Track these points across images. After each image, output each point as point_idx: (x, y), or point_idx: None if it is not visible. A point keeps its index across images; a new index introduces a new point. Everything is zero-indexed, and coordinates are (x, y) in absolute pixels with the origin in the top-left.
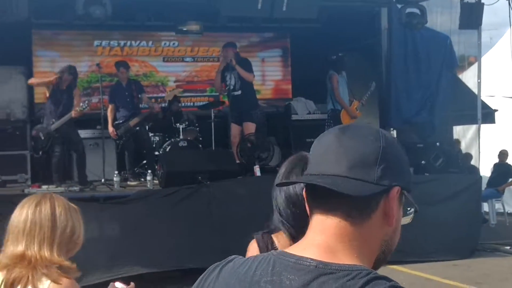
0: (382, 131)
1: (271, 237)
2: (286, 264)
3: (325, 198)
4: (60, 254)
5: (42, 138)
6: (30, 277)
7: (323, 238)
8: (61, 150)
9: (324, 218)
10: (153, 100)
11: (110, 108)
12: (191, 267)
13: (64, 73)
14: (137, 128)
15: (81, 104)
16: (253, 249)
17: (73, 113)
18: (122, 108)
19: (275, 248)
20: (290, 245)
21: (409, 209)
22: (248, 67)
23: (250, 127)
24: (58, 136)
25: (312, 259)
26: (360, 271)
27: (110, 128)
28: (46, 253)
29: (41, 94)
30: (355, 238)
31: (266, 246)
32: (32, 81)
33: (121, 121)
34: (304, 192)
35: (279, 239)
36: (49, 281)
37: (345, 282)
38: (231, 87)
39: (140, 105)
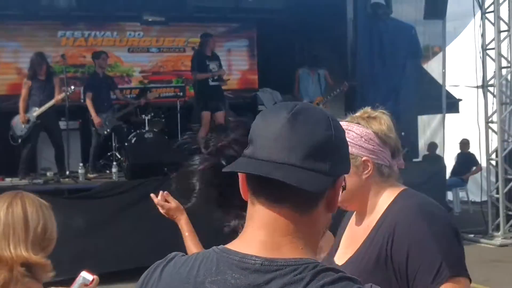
0: (331, 116)
1: None
2: (230, 262)
3: (271, 188)
4: (36, 253)
5: (22, 126)
6: (7, 278)
7: (266, 233)
8: (35, 141)
9: (268, 210)
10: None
11: (89, 97)
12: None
13: (35, 64)
14: (119, 122)
15: (68, 88)
16: None
17: (54, 100)
18: (98, 99)
19: None
20: None
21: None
22: None
23: (221, 116)
24: (39, 124)
25: (257, 257)
26: (307, 264)
27: (96, 118)
28: (23, 253)
29: (4, 85)
30: (300, 230)
31: None
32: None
33: (100, 113)
34: (241, 176)
35: None
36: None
37: (292, 277)
38: (215, 77)
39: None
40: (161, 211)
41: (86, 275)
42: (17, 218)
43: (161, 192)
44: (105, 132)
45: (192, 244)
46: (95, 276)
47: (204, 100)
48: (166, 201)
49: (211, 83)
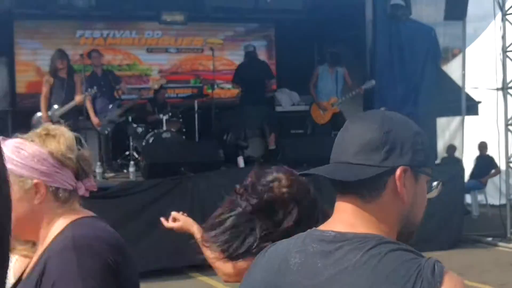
0: (388, 114)
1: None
2: (313, 237)
3: (338, 183)
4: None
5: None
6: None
7: (344, 216)
8: None
9: (343, 200)
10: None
11: (89, 98)
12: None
13: (56, 60)
14: (122, 119)
15: (89, 89)
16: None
17: (76, 100)
18: (100, 99)
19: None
20: None
21: (434, 183)
22: None
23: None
24: (62, 123)
25: (332, 231)
26: (374, 237)
27: (95, 119)
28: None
29: (23, 83)
30: (371, 215)
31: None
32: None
33: (102, 112)
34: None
35: None
36: None
37: (357, 245)
38: None
39: (122, 96)
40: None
41: None
42: None
43: (172, 214)
44: (106, 132)
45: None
46: None
47: None
48: (175, 219)
49: None
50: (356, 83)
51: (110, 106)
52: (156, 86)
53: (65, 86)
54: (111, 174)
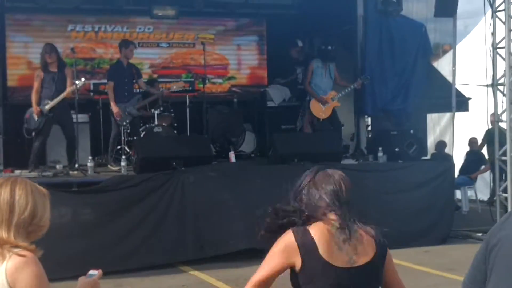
0: None
1: (306, 228)
2: None
3: None
4: (18, 236)
5: (36, 118)
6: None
7: None
8: (47, 134)
9: None
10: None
11: (111, 86)
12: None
13: (45, 55)
14: (141, 113)
15: (77, 81)
16: (288, 240)
17: (65, 93)
18: (119, 89)
19: (311, 237)
20: (328, 233)
21: None
22: None
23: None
24: (52, 117)
25: None
26: None
27: (115, 108)
28: (3, 234)
29: (14, 76)
30: None
31: (303, 234)
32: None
33: (122, 103)
34: None
35: (315, 230)
36: (8, 256)
37: None
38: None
39: (136, 90)
40: None
41: (92, 272)
42: (3, 200)
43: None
44: (124, 123)
45: None
46: (99, 270)
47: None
48: None
49: None
50: (346, 78)
51: (132, 98)
52: (175, 88)
53: (56, 80)
54: (117, 167)
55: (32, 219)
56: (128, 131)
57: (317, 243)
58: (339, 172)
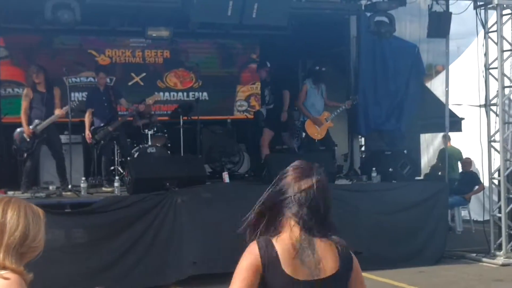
0: None
1: (271, 241)
2: None
3: None
4: (7, 257)
5: (28, 139)
6: None
7: None
8: (38, 154)
9: None
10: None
11: (88, 113)
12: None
13: (32, 75)
14: (117, 133)
15: (63, 108)
16: (252, 251)
17: (57, 113)
18: (99, 113)
19: (275, 252)
20: (291, 247)
21: None
22: None
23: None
24: (44, 138)
25: None
26: None
27: (87, 133)
28: None
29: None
30: None
31: (267, 249)
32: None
33: (99, 126)
34: None
35: (279, 244)
36: None
37: None
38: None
39: (119, 111)
40: None
41: None
42: None
43: None
44: (95, 147)
45: None
46: None
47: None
48: None
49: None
50: (336, 98)
51: (104, 122)
52: (151, 102)
53: (45, 101)
54: (110, 188)
55: (24, 240)
56: (98, 152)
57: (280, 257)
58: (318, 176)
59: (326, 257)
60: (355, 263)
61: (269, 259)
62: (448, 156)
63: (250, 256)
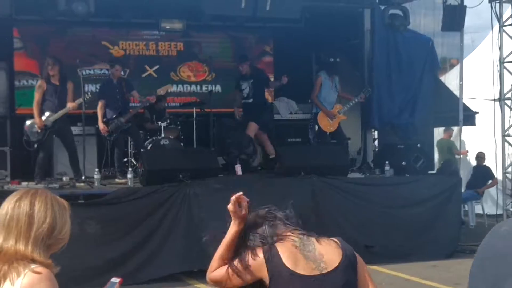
0: None
1: (276, 247)
2: None
3: None
4: (35, 249)
5: (39, 131)
6: (6, 268)
7: None
8: (50, 146)
9: None
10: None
11: (100, 105)
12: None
13: (47, 67)
14: (129, 124)
15: (84, 95)
16: (256, 256)
17: (69, 106)
18: (112, 105)
19: (279, 258)
20: (293, 246)
21: None
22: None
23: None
24: (55, 129)
25: None
26: None
27: (101, 125)
28: (21, 247)
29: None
30: None
31: (271, 255)
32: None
33: (111, 118)
34: None
35: (281, 246)
36: (24, 272)
37: None
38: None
39: (132, 103)
40: (231, 207)
41: (114, 280)
42: (22, 212)
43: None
44: (108, 138)
45: (224, 245)
46: (121, 279)
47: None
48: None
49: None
50: (349, 91)
51: (116, 113)
52: (162, 92)
53: (58, 93)
54: (123, 180)
55: (52, 232)
56: (110, 144)
57: (282, 256)
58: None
59: (328, 250)
60: (359, 259)
61: (272, 257)
62: (441, 148)
63: (253, 258)
